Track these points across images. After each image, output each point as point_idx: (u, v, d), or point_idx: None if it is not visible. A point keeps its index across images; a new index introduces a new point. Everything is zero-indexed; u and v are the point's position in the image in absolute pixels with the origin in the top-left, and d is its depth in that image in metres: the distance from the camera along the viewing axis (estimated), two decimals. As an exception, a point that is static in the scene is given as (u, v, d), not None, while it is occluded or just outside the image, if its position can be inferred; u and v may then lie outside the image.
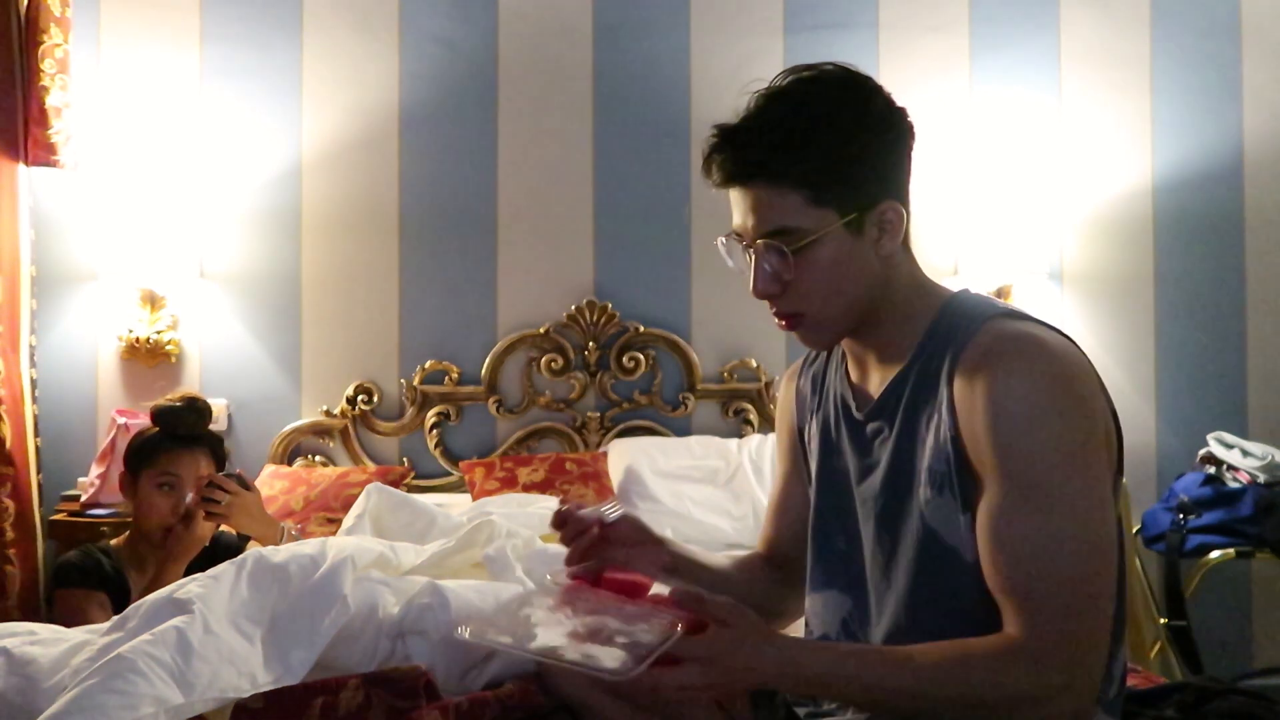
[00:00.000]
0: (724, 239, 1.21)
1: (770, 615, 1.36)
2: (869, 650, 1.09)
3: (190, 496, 2.02)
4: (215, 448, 2.11)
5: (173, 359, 2.99)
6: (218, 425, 2.96)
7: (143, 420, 2.71)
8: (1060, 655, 1.03)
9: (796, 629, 1.79)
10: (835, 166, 1.12)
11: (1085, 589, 1.04)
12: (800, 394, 1.38)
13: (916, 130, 1.19)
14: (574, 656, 1.00)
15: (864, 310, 1.19)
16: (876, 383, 1.23)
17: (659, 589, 1.20)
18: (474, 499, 2.69)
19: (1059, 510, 1.04)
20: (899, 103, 1.19)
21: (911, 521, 1.16)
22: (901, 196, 1.18)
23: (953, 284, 1.31)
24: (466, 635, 1.05)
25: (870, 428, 1.22)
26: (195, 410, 2.08)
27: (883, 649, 1.09)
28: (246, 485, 2.07)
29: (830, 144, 1.12)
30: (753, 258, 1.17)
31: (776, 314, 1.20)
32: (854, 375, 1.27)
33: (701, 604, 1.03)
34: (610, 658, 0.98)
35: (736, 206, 1.18)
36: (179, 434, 2.06)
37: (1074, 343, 1.14)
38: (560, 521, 1.26)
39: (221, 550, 2.05)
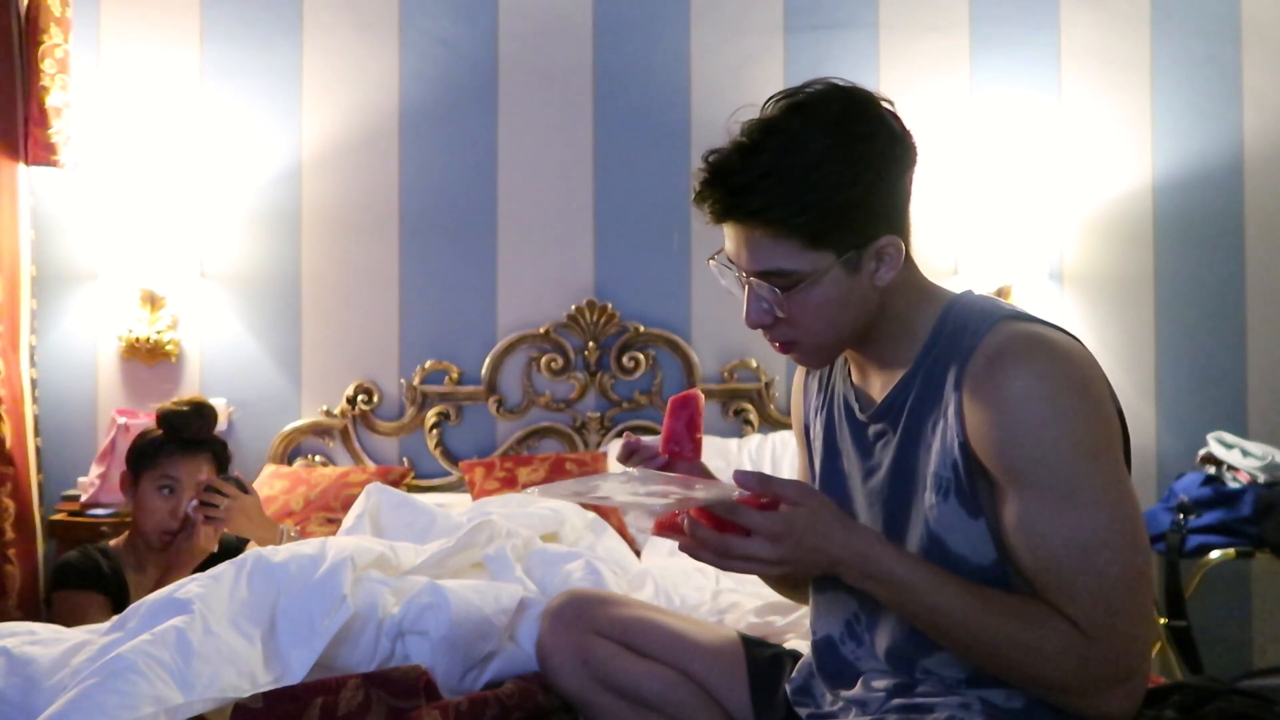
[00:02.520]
0: (715, 260, 1.19)
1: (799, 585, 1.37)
2: (944, 572, 1.09)
3: (186, 502, 2.01)
4: (219, 453, 2.11)
5: (173, 359, 2.99)
6: (218, 425, 2.96)
7: (143, 420, 2.71)
8: (1110, 652, 1.04)
9: (799, 628, 1.80)
10: (834, 211, 1.09)
11: (1128, 585, 1.05)
12: (807, 389, 1.38)
13: (919, 150, 1.16)
14: (622, 499, 1.06)
15: (861, 332, 1.18)
16: (879, 386, 1.22)
17: None
18: (474, 499, 2.69)
19: (1091, 511, 1.04)
20: (899, 104, 1.16)
21: (916, 527, 1.15)
22: (901, 226, 1.15)
23: (953, 284, 1.31)
24: (536, 493, 1.12)
25: (873, 430, 1.22)
26: (201, 415, 2.07)
27: (958, 577, 1.09)
28: (245, 488, 2.07)
29: (829, 190, 1.08)
30: (746, 287, 1.15)
31: (769, 339, 1.19)
32: (856, 378, 1.27)
33: (768, 484, 1.05)
34: (655, 504, 1.03)
35: (729, 236, 1.15)
36: (183, 438, 2.06)
37: (1080, 342, 1.13)
38: (629, 453, 1.26)
39: (222, 552, 2.05)
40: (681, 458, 1.23)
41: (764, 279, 1.12)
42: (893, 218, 1.14)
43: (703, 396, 1.25)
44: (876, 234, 1.12)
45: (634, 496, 1.07)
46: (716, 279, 1.21)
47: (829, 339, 1.17)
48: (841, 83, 1.14)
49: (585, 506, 1.89)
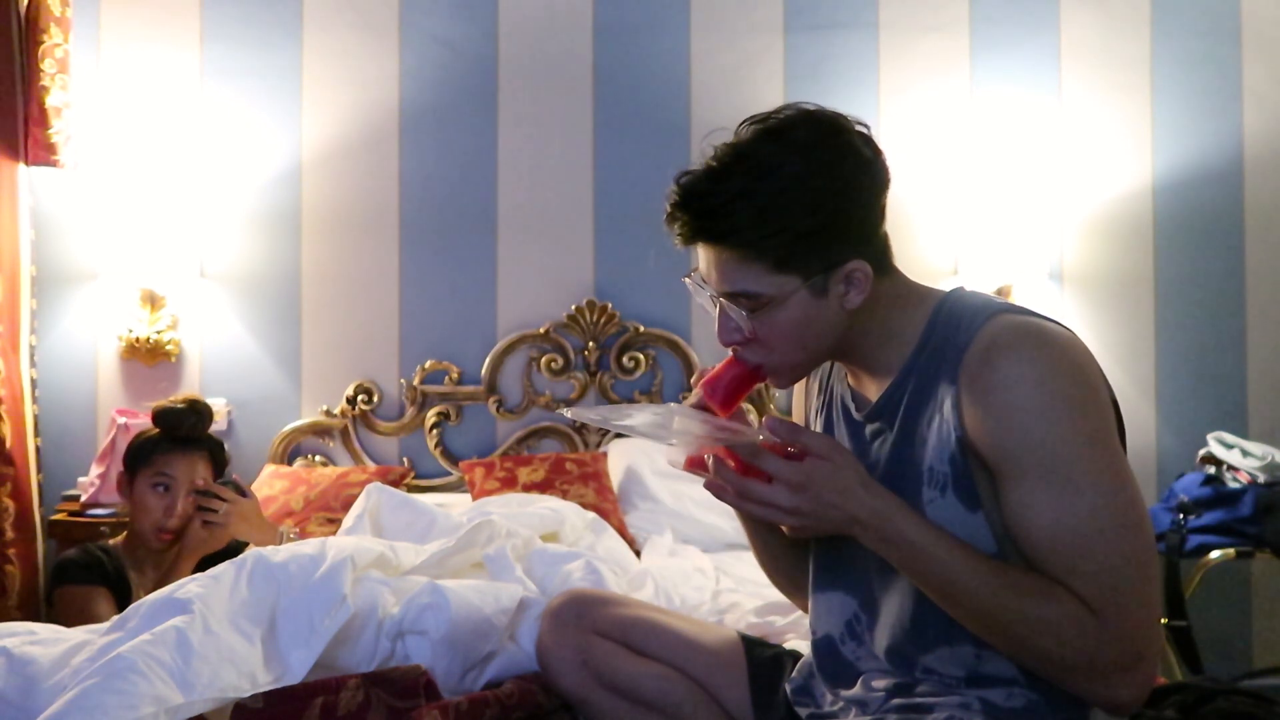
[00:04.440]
0: (691, 279, 1.21)
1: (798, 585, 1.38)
2: (962, 543, 1.10)
3: (183, 500, 2.02)
4: (215, 452, 2.11)
5: (173, 359, 2.99)
6: (218, 425, 2.96)
7: (143, 420, 2.71)
8: (1119, 632, 1.04)
9: (799, 628, 1.80)
10: (801, 236, 1.10)
11: (1133, 564, 1.05)
12: (808, 391, 1.39)
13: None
14: (645, 431, 1.09)
15: (833, 350, 1.20)
16: (874, 389, 1.23)
17: None
18: (474, 499, 2.69)
19: (1091, 492, 1.05)
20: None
21: None
22: (869, 250, 1.16)
23: (952, 284, 1.31)
24: (569, 413, 1.14)
25: (870, 429, 1.22)
26: (196, 412, 2.08)
27: (977, 551, 1.10)
28: (243, 492, 2.07)
29: (797, 214, 1.10)
30: (717, 307, 1.17)
31: (740, 360, 1.20)
32: (852, 381, 1.28)
33: (796, 434, 1.08)
34: (679, 439, 1.05)
35: (701, 257, 1.17)
36: (178, 436, 2.06)
37: (1072, 332, 1.14)
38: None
39: (222, 553, 2.05)
40: (711, 400, 1.23)
41: (732, 300, 1.14)
42: (861, 242, 1.15)
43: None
44: (844, 259, 1.13)
45: (658, 431, 1.08)
46: (693, 297, 1.23)
47: (797, 359, 1.19)
48: (813, 108, 1.15)
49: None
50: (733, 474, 1.09)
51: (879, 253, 1.17)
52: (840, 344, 1.19)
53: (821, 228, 1.11)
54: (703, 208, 1.12)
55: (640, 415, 1.12)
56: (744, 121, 1.15)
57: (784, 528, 1.14)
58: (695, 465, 1.14)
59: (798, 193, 1.10)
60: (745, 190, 1.10)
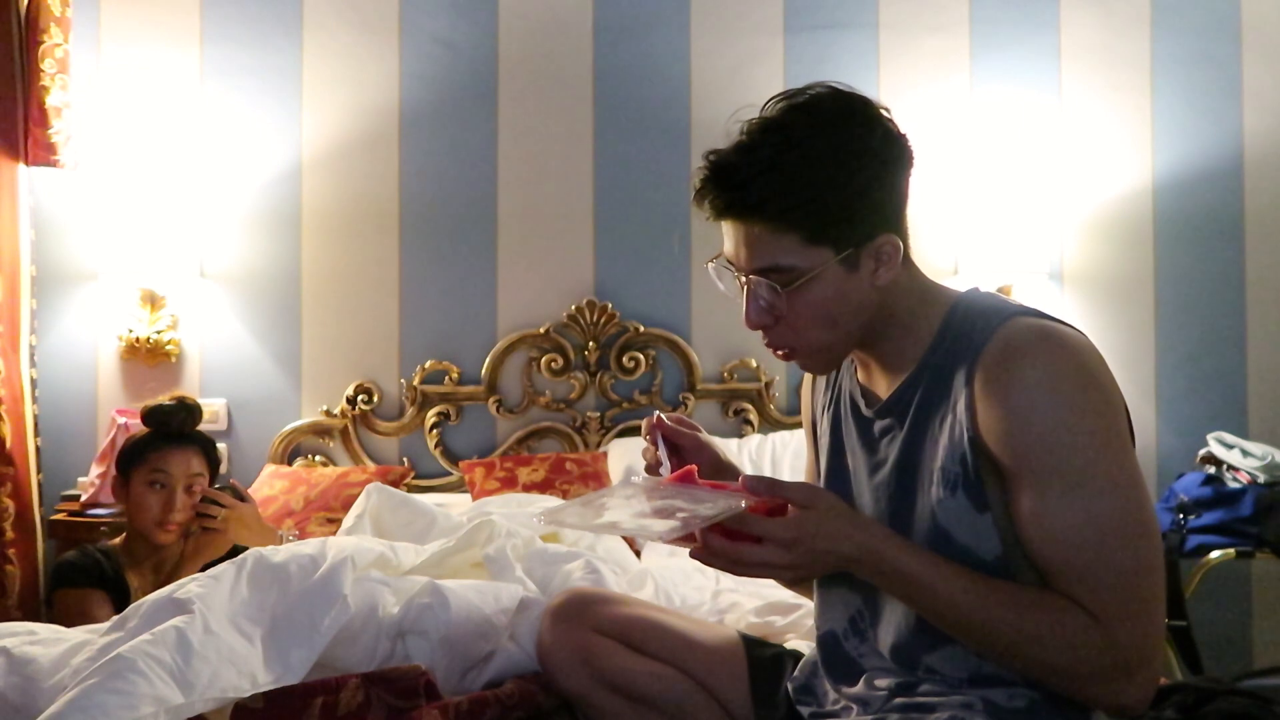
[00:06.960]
0: (713, 264, 1.20)
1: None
2: (955, 566, 1.10)
3: (179, 496, 2.02)
4: (207, 448, 2.11)
5: (173, 359, 2.99)
6: (218, 425, 2.97)
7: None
8: (1126, 638, 1.05)
9: (799, 628, 1.80)
10: (833, 207, 1.10)
11: (1142, 570, 1.05)
12: (815, 387, 1.39)
13: (917, 150, 1.17)
14: (630, 526, 1.07)
15: (862, 335, 1.19)
16: (885, 385, 1.23)
17: None
18: (474, 499, 2.69)
19: (1105, 499, 1.05)
20: (899, 105, 1.17)
21: (922, 521, 1.16)
22: (898, 226, 1.16)
23: (955, 284, 1.31)
24: (541, 521, 1.11)
25: (879, 426, 1.22)
26: (185, 408, 2.08)
27: (970, 570, 1.10)
28: (241, 496, 2.07)
29: (828, 185, 1.09)
30: (745, 289, 1.16)
31: (769, 344, 1.20)
32: (862, 376, 1.27)
33: (775, 489, 1.07)
34: (664, 526, 1.03)
35: (728, 236, 1.16)
36: (169, 432, 2.06)
37: (1086, 336, 1.14)
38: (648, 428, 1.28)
39: (222, 558, 2.05)
40: (655, 472, 1.24)
41: (763, 276, 1.13)
42: (890, 218, 1.15)
43: (655, 417, 1.26)
44: (874, 233, 1.13)
45: (640, 521, 1.06)
46: (715, 283, 1.21)
47: (828, 340, 1.17)
48: (841, 86, 1.15)
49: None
50: (722, 542, 1.07)
51: (906, 234, 1.17)
52: (866, 329, 1.18)
53: (852, 199, 1.11)
54: (733, 180, 1.11)
55: (614, 504, 1.10)
56: (772, 98, 1.15)
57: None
58: (682, 539, 1.10)
59: (827, 164, 1.10)
60: (776, 162, 1.09)
